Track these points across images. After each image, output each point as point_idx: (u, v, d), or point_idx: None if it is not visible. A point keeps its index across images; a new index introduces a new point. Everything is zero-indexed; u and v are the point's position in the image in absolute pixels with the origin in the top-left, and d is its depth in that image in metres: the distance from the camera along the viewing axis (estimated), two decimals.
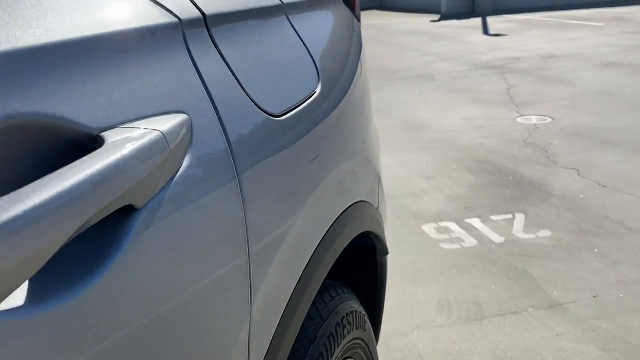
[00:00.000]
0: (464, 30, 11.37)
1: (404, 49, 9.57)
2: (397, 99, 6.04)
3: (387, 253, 1.24)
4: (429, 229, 3.04)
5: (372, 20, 14.90)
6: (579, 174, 3.63)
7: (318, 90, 0.98)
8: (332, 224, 0.95)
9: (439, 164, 4.01)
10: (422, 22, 13.68)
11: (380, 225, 1.24)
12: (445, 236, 2.94)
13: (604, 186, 3.41)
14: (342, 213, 1.00)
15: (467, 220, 3.10)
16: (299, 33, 1.00)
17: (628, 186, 3.37)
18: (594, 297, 2.27)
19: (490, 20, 12.92)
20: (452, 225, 3.06)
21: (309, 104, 0.92)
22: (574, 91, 5.80)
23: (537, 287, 2.38)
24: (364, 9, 18.57)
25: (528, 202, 3.27)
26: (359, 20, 1.58)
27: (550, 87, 6.02)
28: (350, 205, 1.05)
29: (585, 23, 11.21)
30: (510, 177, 3.66)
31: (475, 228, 3.00)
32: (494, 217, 3.11)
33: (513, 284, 2.41)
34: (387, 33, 11.93)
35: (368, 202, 1.16)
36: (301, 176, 0.85)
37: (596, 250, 2.65)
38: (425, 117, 5.27)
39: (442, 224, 3.09)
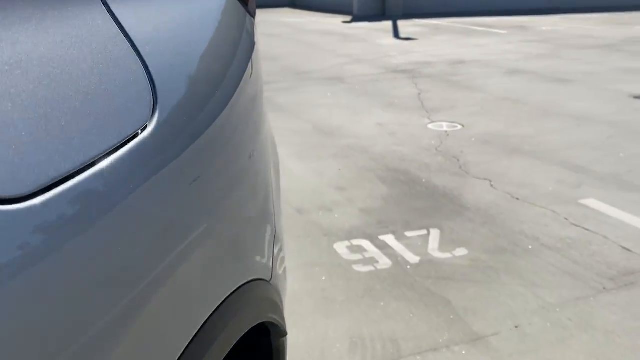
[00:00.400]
0: (376, 33, 11.37)
1: (317, 49, 9.37)
2: (309, 102, 5.79)
3: (285, 335, 0.92)
4: (341, 248, 2.79)
5: (285, 19, 14.63)
6: (491, 185, 3.54)
7: (152, 125, 0.58)
8: (199, 330, 0.61)
9: (352, 174, 3.79)
10: (335, 22, 13.59)
11: (277, 306, 0.89)
12: (359, 256, 2.70)
13: (517, 198, 3.33)
14: (216, 309, 0.66)
15: (381, 238, 2.88)
16: (122, 22, 0.61)
17: (540, 198, 3.32)
18: (516, 327, 2.11)
19: (400, 24, 13.06)
20: (366, 244, 2.83)
21: (126, 154, 0.52)
22: (482, 97, 5.83)
23: (456, 316, 2.19)
24: (275, 6, 18.27)
25: (442, 216, 3.12)
26: (253, 17, 1.27)
27: (459, 93, 6.02)
28: (229, 296, 0.70)
29: (490, 30, 11.59)
30: (424, 188, 3.50)
31: (390, 246, 2.78)
32: (408, 234, 2.92)
33: (431, 314, 2.21)
34: (301, 32, 11.69)
35: (259, 279, 0.82)
36: (123, 278, 0.51)
37: (514, 272, 2.52)
38: (338, 121, 5.05)
39: (355, 242, 2.85)
